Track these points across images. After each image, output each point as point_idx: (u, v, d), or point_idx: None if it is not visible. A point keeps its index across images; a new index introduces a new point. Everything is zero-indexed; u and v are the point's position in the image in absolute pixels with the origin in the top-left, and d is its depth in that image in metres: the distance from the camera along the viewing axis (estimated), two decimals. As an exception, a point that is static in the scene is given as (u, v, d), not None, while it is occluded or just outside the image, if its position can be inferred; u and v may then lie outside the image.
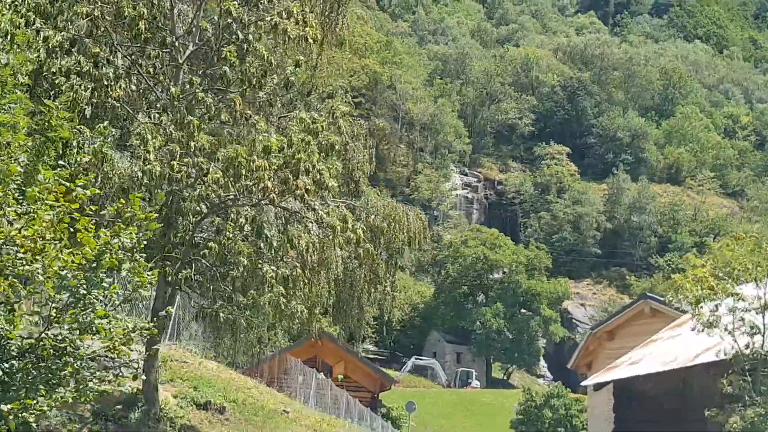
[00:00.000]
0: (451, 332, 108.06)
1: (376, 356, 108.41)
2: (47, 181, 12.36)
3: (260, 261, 20.29)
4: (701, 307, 21.64)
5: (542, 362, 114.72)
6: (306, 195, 18.66)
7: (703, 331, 21.35)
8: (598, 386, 26.74)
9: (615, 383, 26.09)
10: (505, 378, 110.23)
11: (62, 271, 11.60)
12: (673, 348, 25.26)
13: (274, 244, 19.57)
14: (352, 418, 43.26)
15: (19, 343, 11.39)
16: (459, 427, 78.00)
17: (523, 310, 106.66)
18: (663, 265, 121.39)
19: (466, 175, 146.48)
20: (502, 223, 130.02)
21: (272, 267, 20.62)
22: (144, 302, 19.23)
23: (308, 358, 57.83)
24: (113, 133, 18.41)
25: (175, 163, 18.36)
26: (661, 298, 43.12)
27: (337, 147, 21.56)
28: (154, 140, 18.31)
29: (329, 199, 21.12)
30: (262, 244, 19.15)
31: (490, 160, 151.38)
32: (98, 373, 12.07)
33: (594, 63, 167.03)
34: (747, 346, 20.58)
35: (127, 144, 19.29)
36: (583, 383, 28.70)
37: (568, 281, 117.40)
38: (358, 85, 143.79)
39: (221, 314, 20.70)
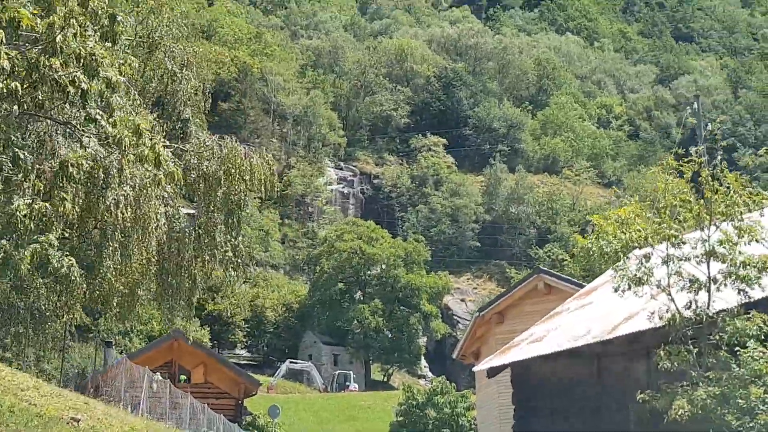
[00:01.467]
0: (327, 333, 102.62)
1: (248, 362, 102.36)
2: None
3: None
4: (626, 258, 16.65)
5: (423, 362, 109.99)
6: (70, 87, 12.35)
7: (629, 289, 16.34)
8: (492, 372, 21.46)
9: (513, 367, 20.89)
10: (385, 380, 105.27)
11: None
12: (584, 320, 20.20)
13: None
14: (199, 427, 37.38)
15: None
16: (336, 432, 72.67)
17: (402, 307, 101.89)
18: (543, 257, 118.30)
19: (341, 169, 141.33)
20: (380, 218, 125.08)
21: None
22: None
23: (164, 362, 51.75)
24: None
25: None
26: (556, 273, 38.44)
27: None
28: None
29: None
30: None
31: (366, 153, 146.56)
32: None
33: (468, 54, 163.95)
34: (688, 306, 15.68)
35: None
36: (475, 368, 23.35)
37: (449, 276, 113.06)
38: (227, 78, 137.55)
39: None
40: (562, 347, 19.01)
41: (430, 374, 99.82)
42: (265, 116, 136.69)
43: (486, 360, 22.57)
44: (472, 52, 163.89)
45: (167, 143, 20.36)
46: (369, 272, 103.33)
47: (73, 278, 12.85)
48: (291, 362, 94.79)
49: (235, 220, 23.93)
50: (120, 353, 61.47)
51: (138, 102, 20.70)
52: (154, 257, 21.90)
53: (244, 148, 24.81)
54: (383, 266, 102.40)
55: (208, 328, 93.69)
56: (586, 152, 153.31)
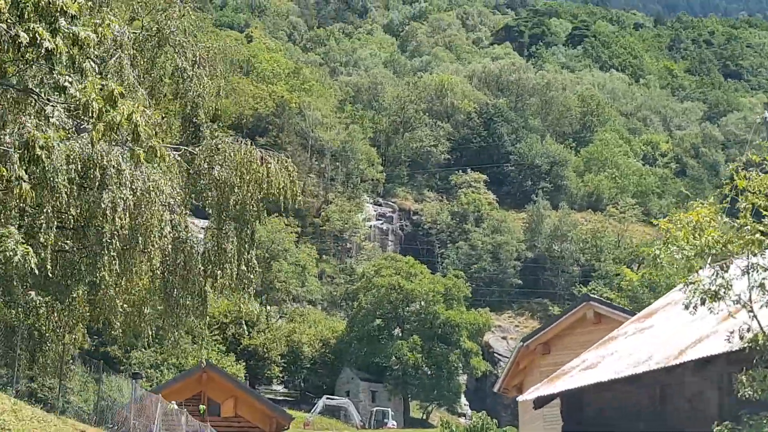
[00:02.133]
0: (365, 369, 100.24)
1: (284, 398, 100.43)
2: None
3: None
4: (698, 270, 14.37)
5: (463, 400, 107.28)
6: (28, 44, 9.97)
7: (702, 305, 14.07)
8: (539, 402, 19.20)
9: (563, 397, 18.66)
10: (424, 417, 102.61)
11: None
12: (644, 344, 17.93)
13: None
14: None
15: None
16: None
17: (441, 344, 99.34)
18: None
19: (380, 205, 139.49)
20: (419, 255, 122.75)
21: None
22: None
23: (192, 395, 49.63)
24: None
25: None
26: (607, 301, 36.01)
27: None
28: None
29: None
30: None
31: (405, 189, 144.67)
32: None
33: (510, 89, 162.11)
34: (773, 325, 13.37)
35: None
36: (520, 398, 21.04)
37: (489, 312, 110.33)
38: (265, 113, 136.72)
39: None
40: (620, 374, 16.72)
41: (469, 412, 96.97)
42: (303, 151, 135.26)
43: (532, 389, 20.32)
44: (514, 87, 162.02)
45: (183, 147, 18.49)
46: (408, 308, 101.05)
47: (30, 268, 10.77)
48: (328, 398, 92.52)
49: (248, 231, 21.76)
50: (149, 386, 59.60)
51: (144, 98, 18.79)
52: (158, 269, 19.90)
53: (261, 151, 22.70)
54: (422, 302, 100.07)
55: (244, 363, 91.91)
56: (632, 189, 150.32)
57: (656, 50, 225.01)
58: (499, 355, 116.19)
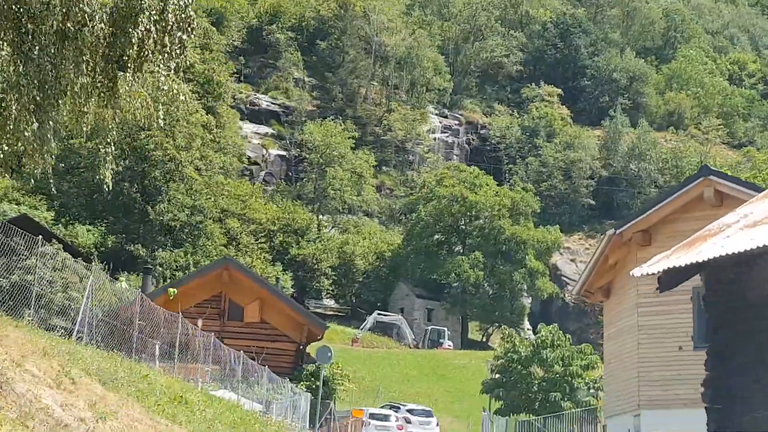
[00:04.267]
0: (421, 285, 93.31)
1: (335, 313, 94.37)
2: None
3: None
4: None
5: (527, 323, 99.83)
6: None
7: None
8: (670, 279, 11.66)
9: (712, 270, 11.10)
10: (484, 339, 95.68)
11: None
12: None
13: None
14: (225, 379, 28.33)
15: None
16: (422, 394, 63.37)
17: (505, 262, 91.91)
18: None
19: (446, 117, 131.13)
20: (486, 170, 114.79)
21: None
22: None
23: (212, 295, 42.95)
24: None
25: None
26: (733, 176, 28.17)
27: None
28: None
29: None
30: None
31: (474, 101, 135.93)
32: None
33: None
34: None
35: None
36: (637, 271, 13.33)
37: (559, 231, 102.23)
38: (327, 15, 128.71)
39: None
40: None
41: (533, 337, 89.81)
42: (366, 56, 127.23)
43: (657, 258, 12.78)
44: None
45: None
46: (471, 222, 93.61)
47: None
48: (379, 314, 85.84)
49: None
50: (162, 282, 53.07)
51: None
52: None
53: None
54: (486, 216, 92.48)
55: (291, 274, 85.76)
56: (716, 110, 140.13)
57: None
58: (567, 278, 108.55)
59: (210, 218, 77.13)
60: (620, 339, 24.73)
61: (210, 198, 77.05)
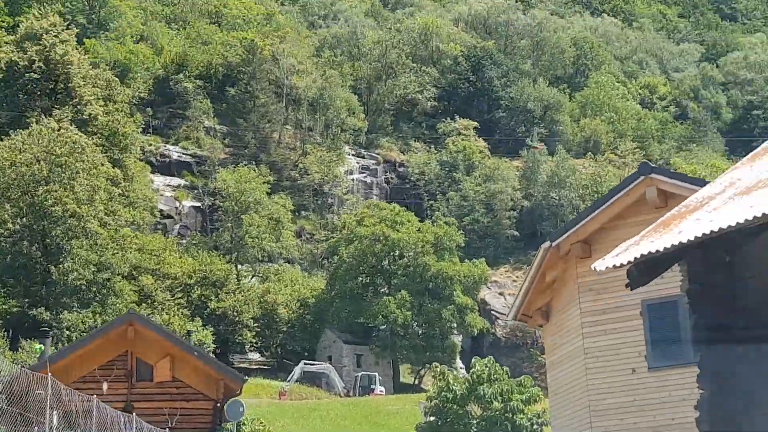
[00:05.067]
0: (348, 331, 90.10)
1: (260, 366, 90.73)
2: None
3: None
4: None
5: (459, 362, 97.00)
6: None
7: None
8: (644, 273, 8.83)
9: (690, 252, 8.28)
10: (416, 382, 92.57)
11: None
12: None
13: None
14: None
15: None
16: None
17: (433, 300, 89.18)
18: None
19: (362, 157, 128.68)
20: (407, 208, 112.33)
21: None
22: None
23: (117, 355, 39.27)
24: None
25: None
26: (677, 172, 25.71)
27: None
28: None
29: None
30: None
31: (390, 140, 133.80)
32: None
33: (499, 31, 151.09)
34: None
35: None
36: (598, 264, 10.32)
37: (485, 265, 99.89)
38: (235, 61, 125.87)
39: None
40: None
41: (467, 375, 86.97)
42: (277, 100, 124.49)
43: (624, 247, 9.95)
44: (502, 29, 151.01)
45: None
46: (395, 261, 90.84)
47: None
48: (306, 364, 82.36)
49: None
50: (55, 346, 49.11)
51: None
52: None
53: None
54: (411, 253, 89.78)
55: (212, 329, 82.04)
56: (631, 134, 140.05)
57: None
58: (497, 312, 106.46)
59: (119, 274, 73.28)
60: (565, 366, 21.93)
61: (117, 253, 73.08)
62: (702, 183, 20.28)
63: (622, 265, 9.00)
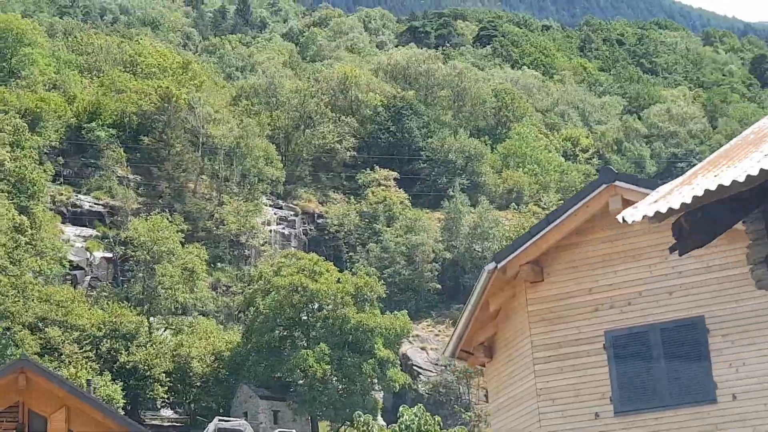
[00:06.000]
0: (265, 385, 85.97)
1: (173, 423, 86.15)
2: None
3: None
4: None
5: (380, 419, 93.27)
6: None
7: None
8: (696, 232, 5.79)
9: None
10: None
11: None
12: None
13: None
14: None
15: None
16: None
17: (353, 353, 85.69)
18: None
19: (280, 207, 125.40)
20: (327, 258, 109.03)
21: None
22: None
23: (7, 406, 35.02)
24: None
25: None
26: (642, 178, 22.96)
27: None
28: None
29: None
30: None
31: (308, 190, 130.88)
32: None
33: (419, 82, 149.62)
34: None
35: None
36: (626, 215, 7.29)
37: (407, 317, 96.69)
38: (149, 110, 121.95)
39: None
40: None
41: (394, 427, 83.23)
42: (192, 149, 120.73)
43: (652, 199, 6.95)
44: (423, 79, 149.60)
45: None
46: (313, 313, 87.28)
47: None
48: (221, 420, 78.05)
49: None
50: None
51: None
52: None
53: None
54: (329, 305, 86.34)
55: (121, 383, 77.70)
56: (554, 186, 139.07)
57: (567, 50, 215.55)
58: (419, 367, 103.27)
59: (21, 323, 68.76)
60: (514, 410, 18.73)
61: (19, 301, 68.59)
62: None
63: (667, 212, 5.94)
